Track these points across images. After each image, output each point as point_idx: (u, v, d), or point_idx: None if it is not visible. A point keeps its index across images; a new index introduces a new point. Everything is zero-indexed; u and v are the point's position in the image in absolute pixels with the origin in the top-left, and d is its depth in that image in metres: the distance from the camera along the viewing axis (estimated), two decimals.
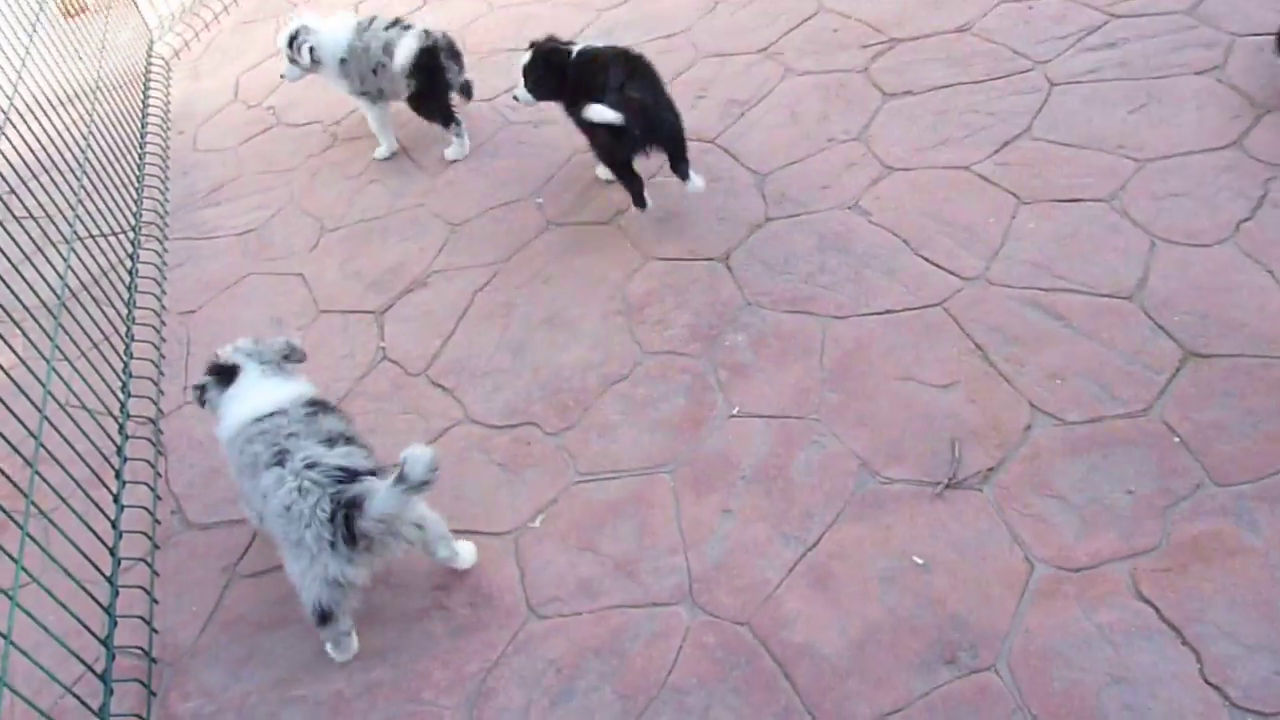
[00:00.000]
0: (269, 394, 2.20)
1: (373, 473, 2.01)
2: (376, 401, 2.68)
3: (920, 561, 2.05)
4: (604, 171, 3.12)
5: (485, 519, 2.32)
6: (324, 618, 2.01)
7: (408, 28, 3.31)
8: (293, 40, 3.35)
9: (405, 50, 3.24)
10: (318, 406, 2.19)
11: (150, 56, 4.49)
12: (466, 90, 3.52)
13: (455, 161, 3.47)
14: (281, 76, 3.48)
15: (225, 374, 2.25)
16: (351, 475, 1.96)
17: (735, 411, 2.41)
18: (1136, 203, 2.66)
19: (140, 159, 3.72)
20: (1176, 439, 2.14)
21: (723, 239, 2.90)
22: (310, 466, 1.97)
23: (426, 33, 3.29)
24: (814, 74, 3.42)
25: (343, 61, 3.35)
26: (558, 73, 2.95)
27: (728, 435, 2.36)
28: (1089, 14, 3.34)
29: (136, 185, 3.56)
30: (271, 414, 2.13)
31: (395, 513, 1.90)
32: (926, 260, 2.66)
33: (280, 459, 2.01)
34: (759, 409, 2.40)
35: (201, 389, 2.27)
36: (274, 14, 4.75)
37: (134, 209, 3.42)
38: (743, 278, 2.76)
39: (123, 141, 3.59)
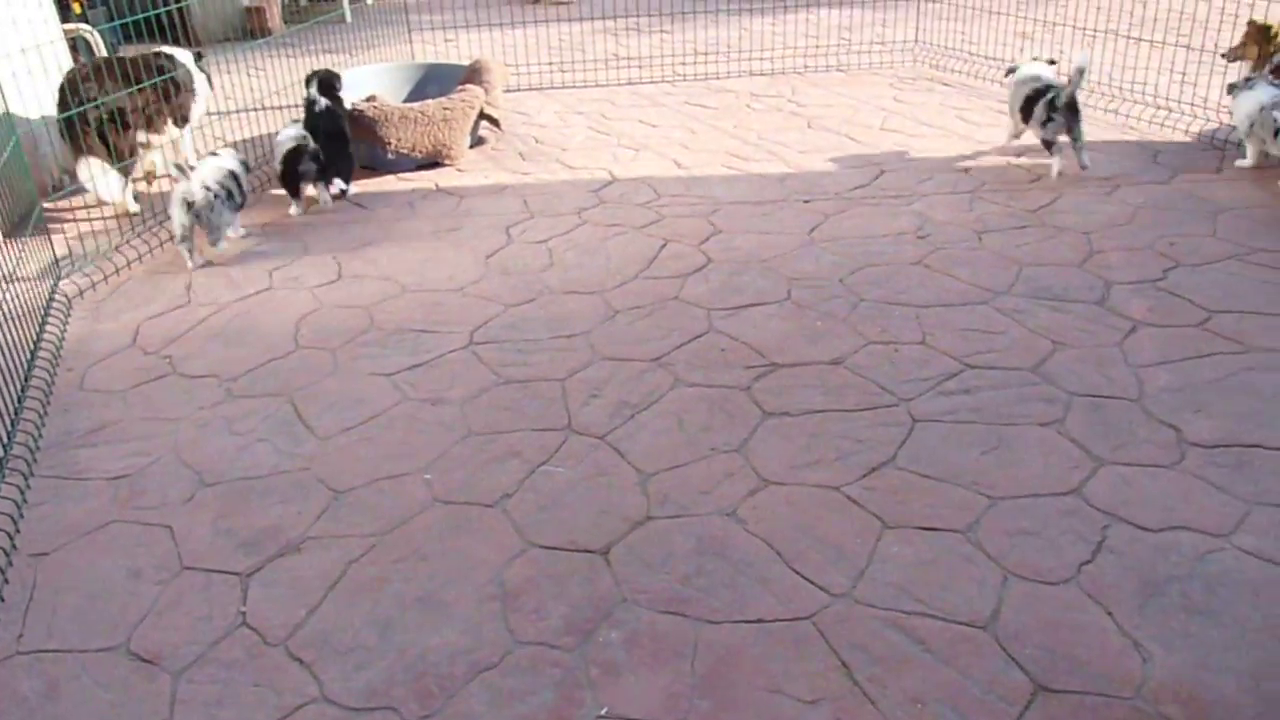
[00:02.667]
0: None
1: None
2: (227, 670, 2.55)
3: None
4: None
5: None
6: (183, 239, 4.84)
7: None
8: None
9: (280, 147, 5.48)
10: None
11: (54, 292, 4.51)
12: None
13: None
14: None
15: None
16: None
17: (604, 712, 2.38)
18: (990, 537, 2.87)
19: (22, 391, 3.65)
20: None
21: (604, 532, 2.97)
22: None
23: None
24: (701, 387, 3.66)
25: None
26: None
27: None
28: (947, 361, 3.72)
29: (13, 417, 3.47)
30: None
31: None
32: (798, 574, 2.77)
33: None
34: (628, 711, 2.38)
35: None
36: (187, 267, 4.88)
37: (4, 441, 3.31)
38: (621, 573, 2.81)
39: (6, 371, 3.53)
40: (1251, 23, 5.98)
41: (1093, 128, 6.12)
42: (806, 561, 2.81)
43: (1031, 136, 5.62)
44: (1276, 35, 5.83)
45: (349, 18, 10.15)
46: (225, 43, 9.54)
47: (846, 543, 2.88)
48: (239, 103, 7.10)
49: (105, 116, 5.22)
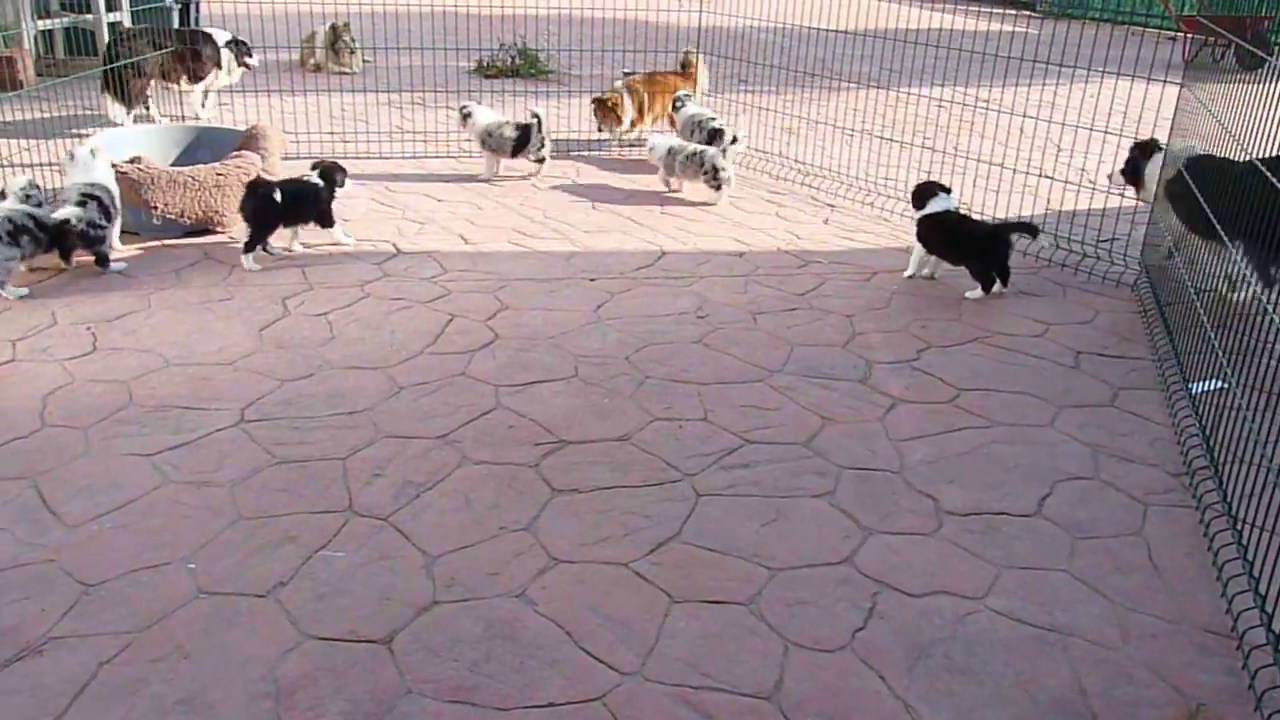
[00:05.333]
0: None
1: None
2: None
3: None
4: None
5: None
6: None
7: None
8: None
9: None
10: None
11: None
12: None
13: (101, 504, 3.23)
14: None
15: None
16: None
17: None
18: (771, 608, 2.97)
19: None
20: None
21: (387, 620, 2.85)
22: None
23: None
24: (489, 464, 3.62)
25: None
26: None
27: None
28: (727, 437, 3.86)
29: None
30: None
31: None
32: (588, 653, 2.76)
33: None
34: None
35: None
36: None
37: None
38: (405, 663, 2.70)
39: None
40: (595, 101, 8.04)
41: (852, 219, 6.62)
42: (597, 640, 2.81)
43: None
44: (614, 105, 7.93)
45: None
46: None
47: (635, 619, 2.90)
48: None
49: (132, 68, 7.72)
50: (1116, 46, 6.07)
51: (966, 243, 5.39)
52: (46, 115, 7.91)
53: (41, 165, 6.37)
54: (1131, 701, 2.67)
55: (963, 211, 5.66)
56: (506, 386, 4.18)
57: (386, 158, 7.72)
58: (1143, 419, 4.11)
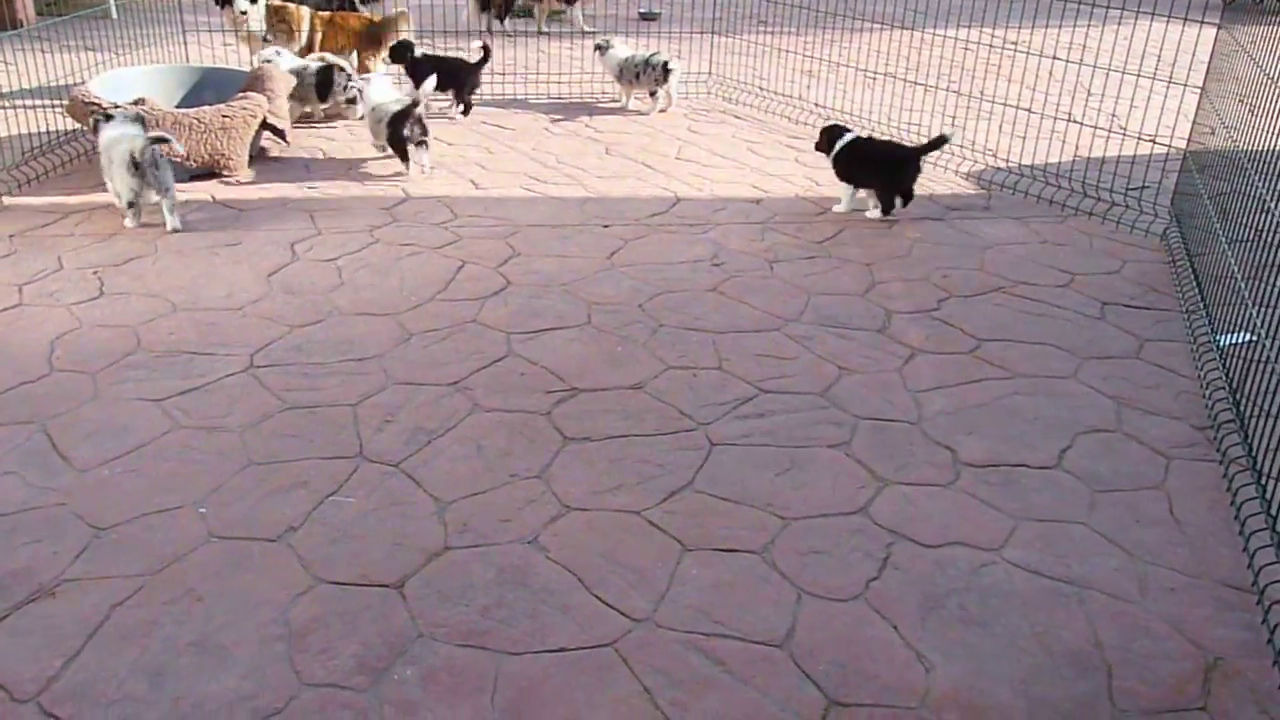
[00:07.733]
0: None
1: None
2: None
3: None
4: None
5: None
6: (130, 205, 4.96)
7: None
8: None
9: None
10: None
11: None
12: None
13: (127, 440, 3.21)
14: None
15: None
16: None
17: None
18: (784, 557, 2.94)
19: None
20: None
21: (399, 565, 2.84)
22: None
23: None
24: (501, 411, 3.58)
25: None
26: None
27: None
28: (742, 386, 3.81)
29: None
30: None
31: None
32: (600, 600, 2.74)
33: None
34: None
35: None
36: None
37: None
38: (417, 608, 2.69)
39: None
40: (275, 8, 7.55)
41: None
42: (608, 587, 2.79)
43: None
44: (292, 18, 7.53)
45: (114, 13, 9.41)
46: None
47: (648, 566, 2.88)
48: None
49: None
50: None
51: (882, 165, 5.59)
52: (47, 54, 7.81)
53: (44, 106, 6.31)
54: (1148, 655, 2.64)
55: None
56: (518, 333, 4.14)
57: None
58: (1168, 371, 4.04)
